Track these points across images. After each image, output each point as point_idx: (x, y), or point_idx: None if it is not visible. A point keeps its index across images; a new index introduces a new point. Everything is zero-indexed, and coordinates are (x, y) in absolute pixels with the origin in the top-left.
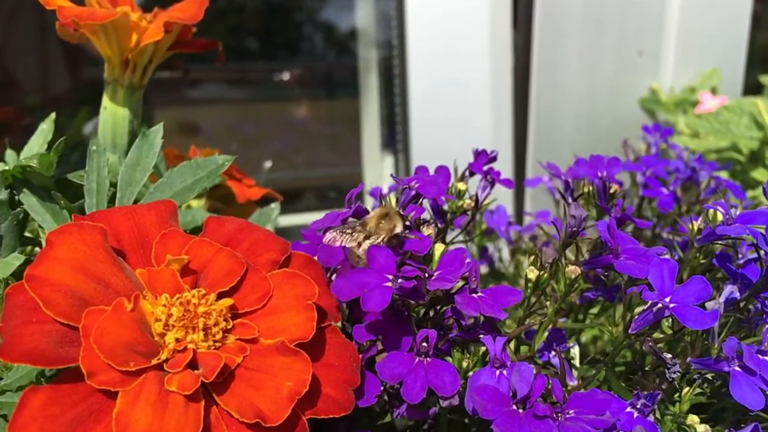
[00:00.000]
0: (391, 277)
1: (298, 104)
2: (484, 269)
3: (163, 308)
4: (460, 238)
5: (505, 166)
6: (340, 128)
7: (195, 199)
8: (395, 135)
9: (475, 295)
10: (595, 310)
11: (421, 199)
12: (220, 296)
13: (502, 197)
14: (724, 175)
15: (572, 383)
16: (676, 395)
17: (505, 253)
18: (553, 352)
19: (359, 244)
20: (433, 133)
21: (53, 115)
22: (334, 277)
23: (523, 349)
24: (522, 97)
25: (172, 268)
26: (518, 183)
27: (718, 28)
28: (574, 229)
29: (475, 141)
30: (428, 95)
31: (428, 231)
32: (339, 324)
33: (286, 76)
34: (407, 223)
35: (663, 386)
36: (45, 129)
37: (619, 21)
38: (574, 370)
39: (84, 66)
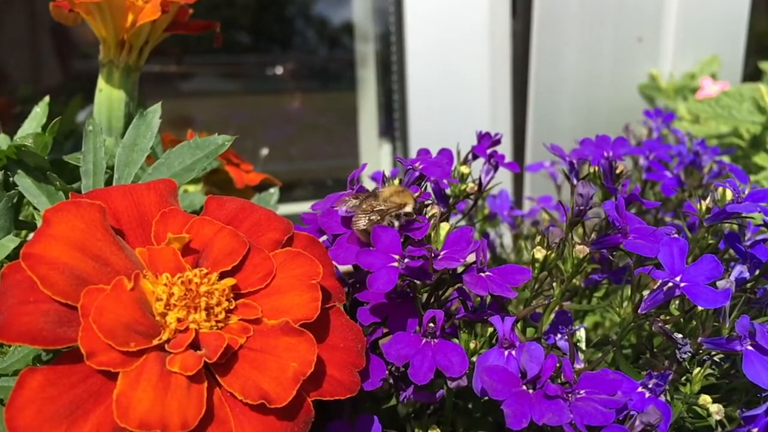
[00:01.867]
0: (397, 257)
1: (297, 96)
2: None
3: (165, 287)
4: (463, 222)
5: (504, 152)
6: (338, 118)
7: (192, 185)
8: (393, 123)
9: (483, 274)
10: (599, 294)
11: (424, 181)
12: (222, 276)
13: (502, 183)
14: (725, 160)
15: (579, 366)
16: (684, 377)
17: (507, 239)
18: (559, 335)
19: (367, 213)
20: (431, 121)
21: (47, 99)
22: None
23: (529, 331)
24: (521, 85)
25: (173, 246)
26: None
27: (718, 14)
28: (582, 207)
29: (474, 128)
30: (426, 83)
31: (433, 211)
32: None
33: (286, 68)
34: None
35: (673, 367)
36: (39, 112)
37: (619, 7)
38: (580, 353)
39: (77, 57)
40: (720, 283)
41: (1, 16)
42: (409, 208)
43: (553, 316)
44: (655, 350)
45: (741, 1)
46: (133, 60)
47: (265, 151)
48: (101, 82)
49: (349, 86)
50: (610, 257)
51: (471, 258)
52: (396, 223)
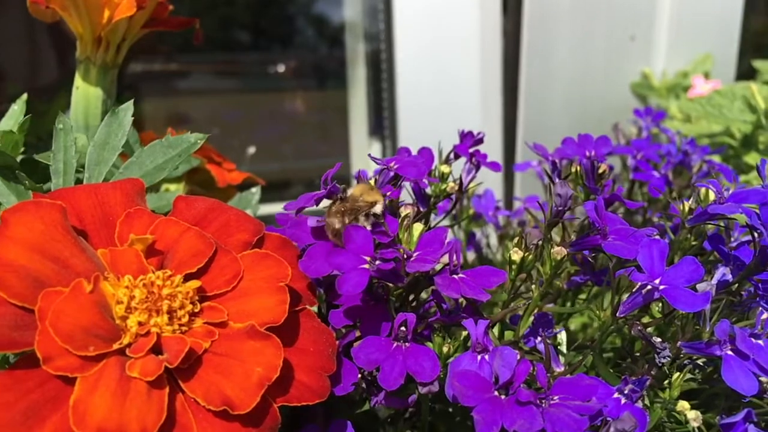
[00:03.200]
0: (368, 258)
1: (288, 95)
2: (471, 255)
3: (126, 290)
4: (446, 222)
5: (494, 152)
6: (328, 117)
7: (174, 183)
8: (383, 122)
9: (456, 276)
10: (584, 296)
11: (401, 181)
12: (188, 278)
13: (491, 183)
14: (716, 159)
15: (559, 369)
16: (666, 381)
17: (494, 239)
18: (539, 338)
19: (338, 214)
20: (420, 120)
21: (25, 96)
22: None
23: (508, 334)
24: (512, 84)
25: (136, 248)
26: (508, 169)
27: (712, 12)
28: (560, 208)
29: (464, 127)
30: (415, 82)
31: (405, 212)
32: (315, 308)
33: (280, 68)
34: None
35: (653, 372)
36: (16, 110)
37: (610, 5)
38: (561, 357)
39: (72, 56)
40: (700, 286)
41: None
42: (378, 208)
43: (532, 318)
44: (636, 354)
45: (735, 0)
46: (111, 57)
47: (252, 150)
48: (78, 80)
49: (341, 85)
50: (590, 259)
51: (446, 259)
52: (368, 225)
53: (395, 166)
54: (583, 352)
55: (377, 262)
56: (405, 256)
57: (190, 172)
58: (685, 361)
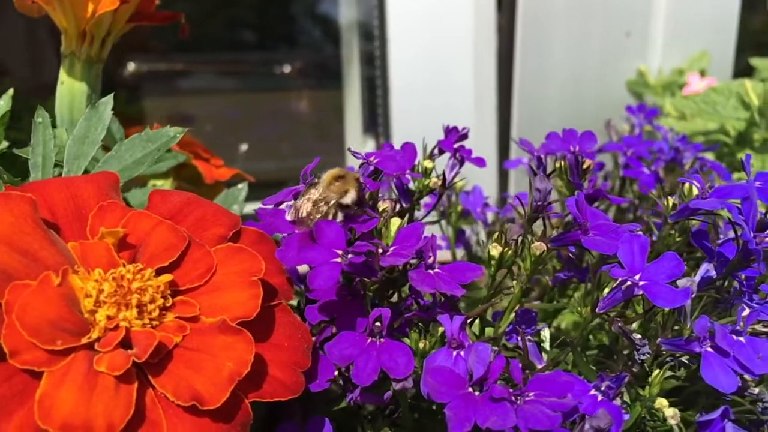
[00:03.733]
0: (340, 252)
1: (288, 94)
2: (460, 253)
3: (95, 283)
4: (433, 218)
5: (489, 150)
6: (326, 116)
7: (161, 179)
8: (377, 119)
9: (431, 271)
10: (572, 293)
11: (381, 176)
12: (160, 272)
13: (486, 180)
14: (710, 156)
15: (541, 366)
16: (650, 379)
17: (484, 237)
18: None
19: (307, 203)
20: (414, 117)
21: (11, 91)
22: None
23: (489, 331)
24: (507, 81)
25: (107, 241)
26: (503, 166)
27: (708, 9)
28: (539, 203)
29: (458, 124)
30: (409, 79)
31: (384, 206)
32: (295, 303)
33: (286, 68)
34: (360, 193)
35: (634, 369)
36: (2, 105)
37: (606, 1)
38: (544, 354)
39: None
40: (681, 282)
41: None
42: (349, 198)
43: (514, 315)
44: (623, 352)
45: None
46: (95, 51)
47: (244, 147)
48: (63, 75)
49: (338, 85)
50: (571, 255)
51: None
52: (339, 216)
53: (375, 161)
54: (565, 349)
55: (350, 256)
56: (381, 251)
57: (178, 168)
58: (668, 359)
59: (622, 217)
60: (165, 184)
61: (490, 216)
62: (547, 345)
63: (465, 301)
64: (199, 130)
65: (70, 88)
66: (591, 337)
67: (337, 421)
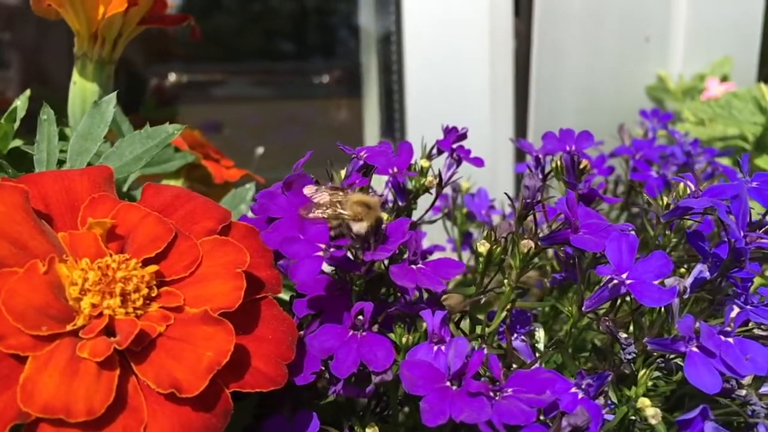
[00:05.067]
0: (323, 246)
1: (315, 102)
2: (466, 255)
3: (81, 272)
4: (432, 218)
5: (505, 155)
6: (346, 122)
7: (173, 179)
8: (393, 124)
9: (414, 266)
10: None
11: (372, 171)
12: (146, 263)
13: (502, 184)
14: (725, 161)
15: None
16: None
17: None
18: (515, 335)
19: (326, 209)
20: (429, 122)
21: (28, 92)
22: None
23: (479, 329)
24: (525, 86)
25: (95, 231)
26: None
27: (731, 14)
28: (528, 200)
29: (473, 129)
30: (424, 84)
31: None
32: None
33: (324, 78)
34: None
35: (625, 370)
36: (19, 105)
37: (624, 5)
38: (537, 354)
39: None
40: (668, 281)
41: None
42: (359, 228)
43: (505, 314)
44: (610, 350)
45: (756, 1)
46: (107, 53)
47: (260, 150)
48: (75, 75)
49: (358, 93)
50: (568, 256)
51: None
52: (343, 232)
53: (365, 155)
54: (557, 348)
55: (331, 250)
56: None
57: (189, 168)
58: (659, 360)
59: (633, 221)
60: (176, 184)
61: (495, 218)
62: (541, 345)
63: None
64: (227, 136)
65: (82, 88)
66: (588, 338)
67: (327, 416)
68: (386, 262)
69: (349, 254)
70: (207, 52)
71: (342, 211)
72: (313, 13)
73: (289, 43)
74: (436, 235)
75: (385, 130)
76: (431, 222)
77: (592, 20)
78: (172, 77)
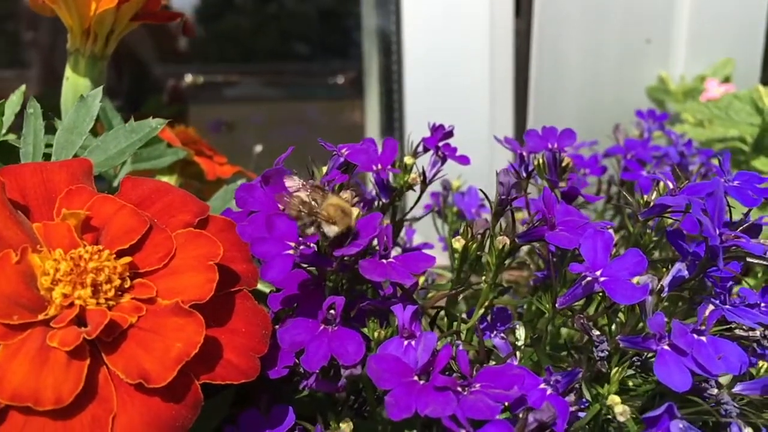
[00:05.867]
0: (293, 244)
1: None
2: None
3: (53, 262)
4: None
5: (505, 154)
6: (348, 121)
7: (166, 176)
8: (393, 123)
9: (385, 261)
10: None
11: (353, 170)
12: (121, 254)
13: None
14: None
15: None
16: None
17: None
18: (495, 332)
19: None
20: (427, 120)
21: (23, 87)
22: None
23: (456, 326)
24: (525, 86)
25: (69, 222)
26: None
27: (734, 15)
28: (503, 196)
29: (472, 130)
30: (422, 85)
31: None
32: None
33: (339, 79)
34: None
35: (599, 366)
36: (14, 100)
37: (625, 7)
38: (519, 352)
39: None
40: (641, 279)
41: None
42: (329, 230)
43: (483, 311)
44: (586, 348)
45: (759, 2)
46: (99, 48)
47: (258, 148)
48: (68, 71)
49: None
50: (542, 252)
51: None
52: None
53: (345, 152)
54: (533, 345)
55: (301, 248)
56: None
57: (183, 165)
58: (635, 358)
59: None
60: (170, 180)
61: (485, 216)
62: (521, 343)
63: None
64: (234, 134)
65: (74, 83)
66: (575, 337)
67: (307, 412)
68: None
69: (319, 250)
70: (220, 53)
71: (318, 210)
72: (320, 15)
73: (301, 45)
74: (430, 233)
75: (384, 129)
76: (416, 219)
77: (592, 20)
78: (188, 78)
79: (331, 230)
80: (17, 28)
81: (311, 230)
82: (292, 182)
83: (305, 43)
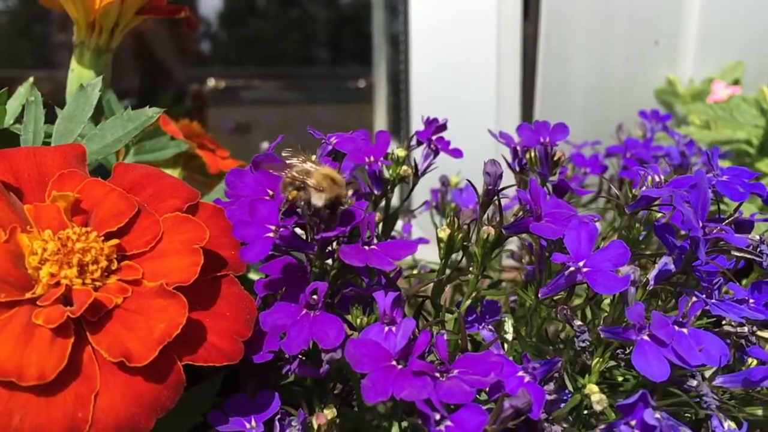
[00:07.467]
0: (273, 227)
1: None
2: None
3: (41, 242)
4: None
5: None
6: (360, 120)
7: (170, 168)
8: (400, 124)
9: (367, 247)
10: None
11: (341, 158)
12: (109, 237)
13: (506, 182)
14: (726, 164)
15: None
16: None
17: None
18: (482, 324)
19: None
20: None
21: (31, 79)
22: None
23: (441, 315)
24: (531, 88)
25: (58, 204)
26: None
27: (744, 18)
28: (490, 187)
29: (478, 130)
30: (428, 85)
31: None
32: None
33: (361, 83)
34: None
35: (584, 357)
36: (22, 92)
37: (632, 9)
38: (506, 344)
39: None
40: (623, 269)
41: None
42: (316, 199)
43: (469, 302)
44: (569, 338)
45: None
46: (104, 41)
47: (265, 144)
48: (73, 63)
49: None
50: (534, 245)
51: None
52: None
53: (334, 141)
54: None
55: (281, 230)
56: (320, 225)
57: (187, 158)
58: (619, 350)
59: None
60: (174, 173)
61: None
62: (510, 336)
63: None
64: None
65: (79, 75)
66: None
67: (294, 398)
68: None
69: (302, 234)
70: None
71: (307, 178)
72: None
73: (328, 50)
74: (432, 230)
75: (392, 131)
76: (411, 212)
77: (600, 23)
78: (211, 82)
79: (320, 198)
80: (48, 31)
81: (294, 193)
82: (288, 154)
83: (319, 47)
